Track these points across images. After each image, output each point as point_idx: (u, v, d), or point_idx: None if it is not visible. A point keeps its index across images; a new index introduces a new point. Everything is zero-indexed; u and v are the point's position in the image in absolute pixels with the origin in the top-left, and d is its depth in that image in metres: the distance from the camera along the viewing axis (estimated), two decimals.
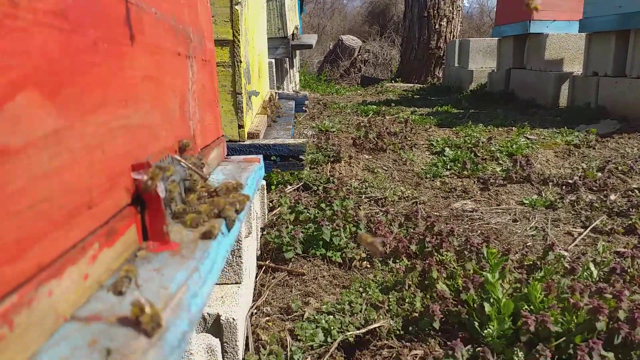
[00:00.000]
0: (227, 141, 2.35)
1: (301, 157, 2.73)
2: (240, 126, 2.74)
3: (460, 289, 2.78)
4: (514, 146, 5.37)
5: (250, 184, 1.41)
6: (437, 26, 13.56)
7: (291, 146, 2.71)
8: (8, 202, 0.51)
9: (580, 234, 3.71)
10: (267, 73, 4.19)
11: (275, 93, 3.76)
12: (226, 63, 2.63)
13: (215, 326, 2.18)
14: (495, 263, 2.74)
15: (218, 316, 2.14)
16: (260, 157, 1.90)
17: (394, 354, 2.45)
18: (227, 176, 1.54)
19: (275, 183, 4.57)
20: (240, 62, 2.66)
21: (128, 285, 0.68)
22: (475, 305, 2.63)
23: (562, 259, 3.01)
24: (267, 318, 2.67)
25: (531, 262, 3.11)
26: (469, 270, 3.01)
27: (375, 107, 8.29)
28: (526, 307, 2.61)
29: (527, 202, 4.25)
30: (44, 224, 0.57)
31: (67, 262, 0.63)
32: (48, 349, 0.56)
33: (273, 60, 5.48)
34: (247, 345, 2.41)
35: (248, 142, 2.75)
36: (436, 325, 2.51)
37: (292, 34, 6.43)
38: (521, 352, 2.37)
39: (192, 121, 1.36)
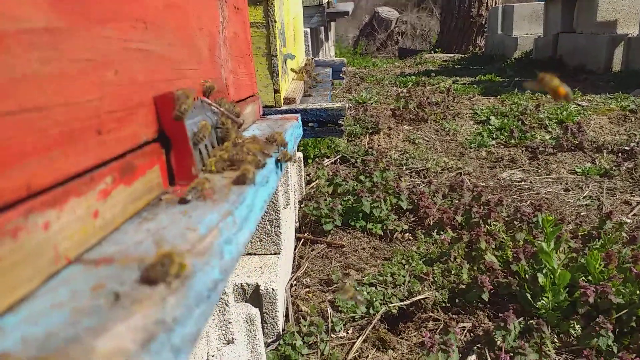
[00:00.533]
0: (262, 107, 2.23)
1: (340, 122, 2.59)
2: (276, 90, 2.62)
3: (510, 259, 2.63)
4: (564, 113, 5.06)
5: (288, 140, 1.29)
6: None
7: (330, 110, 2.57)
8: None
9: (639, 202, 3.45)
10: (302, 38, 4.04)
11: (312, 59, 3.62)
12: (259, 23, 2.50)
13: (255, 296, 2.11)
14: (551, 231, 2.55)
15: (257, 286, 2.07)
16: (298, 115, 1.77)
17: (440, 326, 2.33)
18: (263, 132, 1.42)
19: (312, 156, 4.46)
20: (275, 22, 2.52)
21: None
22: (527, 276, 2.48)
23: (621, 227, 2.79)
24: (307, 289, 2.60)
25: (586, 232, 2.90)
26: (519, 241, 2.84)
27: (414, 77, 8.02)
28: (583, 277, 2.43)
29: (579, 170, 3.99)
30: (34, 138, 0.47)
31: (70, 192, 0.52)
32: (42, 294, 0.45)
33: (308, 30, 5.31)
34: (287, 316, 2.34)
35: (284, 107, 2.63)
36: (485, 297, 2.38)
37: (327, 2, 6.22)
38: (578, 325, 2.22)
39: (224, 69, 1.24)
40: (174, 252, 0.48)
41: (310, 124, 2.67)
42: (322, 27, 6.35)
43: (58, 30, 0.51)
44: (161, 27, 0.80)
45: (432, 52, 13.67)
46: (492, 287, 2.42)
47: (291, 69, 3.03)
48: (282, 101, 2.63)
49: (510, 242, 2.84)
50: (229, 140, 0.98)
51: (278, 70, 2.54)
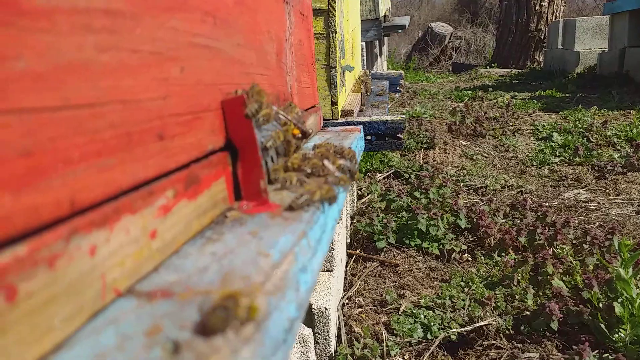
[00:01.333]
0: None
1: (400, 135, 2.47)
2: (334, 103, 2.54)
3: (580, 286, 2.42)
4: (634, 130, 4.72)
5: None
6: (537, 7, 12.56)
7: (389, 123, 2.46)
8: (10, 86, 0.31)
9: None
10: (360, 51, 3.96)
11: (369, 72, 3.52)
12: (320, 34, 2.44)
13: (306, 315, 2.01)
14: (629, 257, 2.34)
15: (310, 305, 1.97)
16: (360, 127, 1.67)
17: (504, 355, 2.16)
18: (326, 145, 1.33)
19: (364, 171, 4.35)
20: (335, 32, 2.45)
21: None
22: (600, 305, 2.28)
23: None
24: (360, 309, 2.47)
25: None
26: (590, 266, 2.62)
27: (470, 92, 7.78)
28: None
29: None
30: (81, 140, 0.38)
31: (123, 209, 0.43)
32: (82, 339, 0.36)
33: (364, 44, 5.23)
34: (339, 336, 2.23)
35: (341, 119, 2.54)
36: (554, 325, 2.19)
37: (384, 16, 6.13)
38: None
39: (289, 76, 1.16)
40: (239, 292, 0.38)
41: (368, 137, 2.57)
42: (377, 41, 6.25)
43: (120, 13, 0.43)
44: (231, 25, 0.73)
45: (488, 67, 13.32)
46: (561, 315, 2.23)
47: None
48: (340, 114, 2.55)
49: (580, 267, 2.63)
50: (295, 151, 0.89)
51: (337, 82, 2.46)
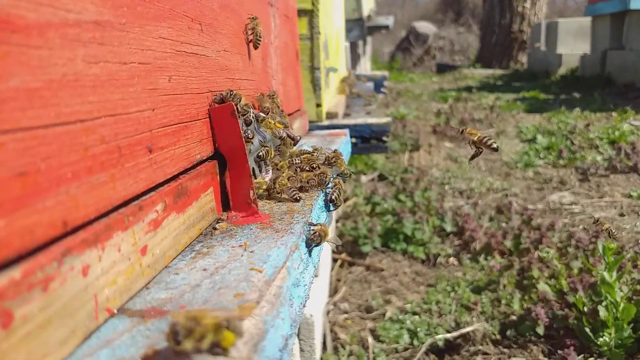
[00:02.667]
0: None
1: (384, 138, 2.47)
2: (318, 105, 2.52)
3: (565, 289, 2.44)
4: (616, 133, 4.80)
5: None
6: (520, 8, 12.72)
7: (374, 126, 2.45)
8: (4, 106, 0.30)
9: None
10: (344, 52, 3.96)
11: (353, 73, 3.52)
12: (304, 35, 2.42)
13: None
14: (613, 261, 2.36)
15: None
16: (347, 131, 1.66)
17: None
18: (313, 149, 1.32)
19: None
20: (319, 34, 2.44)
21: None
22: (585, 309, 2.30)
23: None
24: (346, 315, 2.46)
25: None
26: (574, 270, 2.65)
27: (454, 93, 7.84)
28: None
29: (635, 194, 3.75)
30: (73, 158, 0.37)
31: (114, 226, 0.42)
32: None
33: (347, 44, 5.23)
34: (324, 344, 2.21)
35: (326, 122, 2.53)
36: (540, 330, 2.21)
37: (368, 16, 6.14)
38: None
39: (274, 80, 1.15)
40: (206, 315, 0.36)
41: (353, 140, 2.56)
42: (361, 41, 6.26)
43: (109, 24, 0.42)
44: (217, 31, 0.71)
45: (471, 67, 13.43)
46: (547, 319, 2.25)
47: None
48: (325, 116, 2.53)
49: (565, 271, 2.65)
50: (283, 158, 0.88)
51: (321, 84, 2.44)
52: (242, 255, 0.54)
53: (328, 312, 2.46)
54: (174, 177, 0.56)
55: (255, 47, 0.82)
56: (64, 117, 0.37)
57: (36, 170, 0.33)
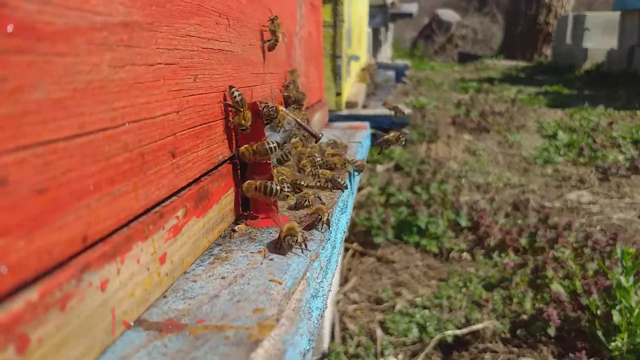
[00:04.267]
0: None
1: (405, 130, 2.43)
2: (338, 94, 2.49)
3: (579, 291, 2.41)
4: None
5: (360, 152, 1.16)
6: None
7: (394, 118, 2.41)
8: (28, 119, 0.29)
9: None
10: (366, 39, 3.90)
11: (375, 61, 3.47)
12: (327, 23, 2.38)
13: None
14: (631, 266, 2.32)
15: None
16: (367, 124, 1.64)
17: (499, 359, 2.16)
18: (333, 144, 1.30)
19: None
20: (343, 21, 2.39)
21: None
22: (599, 312, 2.27)
23: None
24: (355, 306, 2.46)
25: None
26: (589, 272, 2.61)
27: (475, 84, 7.71)
28: None
29: None
30: (94, 169, 0.35)
31: (134, 236, 0.41)
32: None
33: (370, 30, 5.16)
34: (332, 333, 2.22)
35: (345, 111, 2.50)
36: (551, 331, 2.18)
37: (392, 2, 6.04)
38: None
39: (297, 71, 1.12)
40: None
41: (372, 131, 2.53)
42: (383, 28, 6.17)
43: (137, 25, 0.40)
44: (244, 25, 0.69)
45: (494, 58, 13.20)
46: (559, 320, 2.23)
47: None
48: (344, 105, 2.50)
49: (580, 272, 2.62)
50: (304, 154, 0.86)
51: (342, 73, 2.41)
52: (261, 263, 0.53)
53: (337, 302, 2.46)
54: (196, 180, 0.54)
55: (270, 50, 0.80)
56: (87, 127, 0.35)
57: (56, 185, 0.32)
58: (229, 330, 0.39)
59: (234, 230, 0.62)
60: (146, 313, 0.44)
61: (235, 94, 0.60)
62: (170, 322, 0.42)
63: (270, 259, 0.54)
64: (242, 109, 0.60)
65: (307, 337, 0.44)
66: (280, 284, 0.48)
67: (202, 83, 0.56)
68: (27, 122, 0.29)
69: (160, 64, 0.46)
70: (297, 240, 0.51)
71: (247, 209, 0.69)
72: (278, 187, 0.61)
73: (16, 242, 0.28)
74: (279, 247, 0.53)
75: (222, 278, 0.50)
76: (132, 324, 0.42)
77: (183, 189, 0.51)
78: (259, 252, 0.56)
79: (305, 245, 0.51)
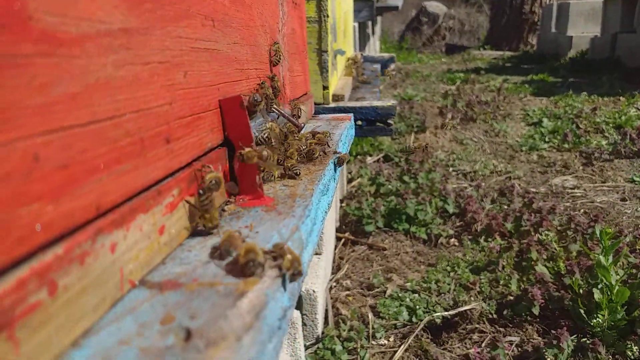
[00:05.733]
0: None
1: (390, 121, 2.51)
2: (325, 87, 2.56)
3: (563, 272, 2.50)
4: (623, 117, 4.80)
5: (343, 142, 1.23)
6: None
7: (379, 109, 2.49)
8: (53, 109, 0.36)
9: None
10: (352, 34, 3.96)
11: (360, 55, 3.54)
12: (312, 18, 2.44)
13: None
14: (609, 245, 2.41)
15: None
16: (351, 115, 1.71)
17: (486, 339, 2.24)
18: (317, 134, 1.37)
19: (354, 154, 4.39)
20: (327, 16, 2.46)
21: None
22: (581, 291, 2.36)
23: None
24: (347, 292, 2.54)
25: None
26: (573, 253, 2.71)
27: (462, 75, 7.81)
28: None
29: (638, 179, 3.78)
30: (104, 150, 0.43)
31: (137, 208, 0.48)
32: (106, 325, 0.41)
33: (356, 24, 5.22)
34: (326, 319, 2.29)
35: (332, 104, 2.57)
36: (535, 310, 2.27)
37: None
38: (636, 347, 2.09)
39: (281, 67, 1.19)
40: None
41: (359, 123, 2.60)
42: (370, 22, 6.23)
43: (134, 30, 0.47)
44: (228, 25, 0.76)
45: (481, 48, 13.31)
46: (543, 300, 2.31)
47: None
48: (331, 98, 2.57)
49: (563, 254, 2.71)
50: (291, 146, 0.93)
51: (328, 67, 2.48)
52: (247, 236, 0.60)
53: (331, 289, 2.54)
54: (188, 164, 0.61)
55: (274, 65, 0.88)
56: (97, 116, 0.42)
57: (75, 162, 0.39)
58: (220, 286, 0.47)
59: (224, 210, 0.69)
60: (148, 275, 0.51)
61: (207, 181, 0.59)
62: (169, 282, 0.49)
63: (256, 232, 0.61)
64: (208, 211, 0.60)
65: (287, 296, 0.52)
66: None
67: (191, 79, 0.63)
68: (52, 111, 0.36)
69: (155, 62, 0.53)
70: (258, 263, 0.50)
71: (236, 191, 0.76)
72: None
73: (46, 206, 0.36)
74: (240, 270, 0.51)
75: (213, 248, 0.57)
76: (137, 283, 0.49)
77: (177, 171, 0.59)
78: (246, 227, 0.63)
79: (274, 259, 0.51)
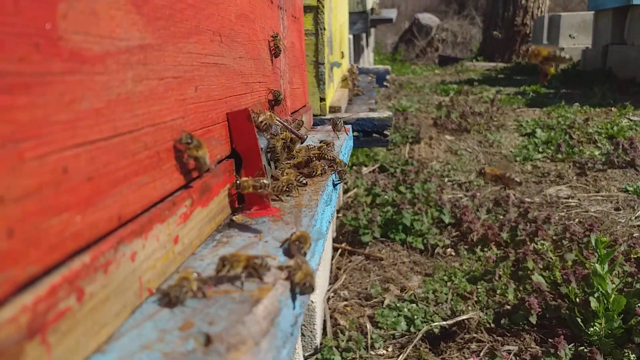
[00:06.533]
0: None
1: (386, 132, 2.54)
2: (322, 99, 2.59)
3: (559, 281, 2.52)
4: (615, 128, 4.86)
5: (343, 153, 1.25)
6: (523, 1, 12.70)
7: (376, 120, 2.52)
8: (80, 124, 0.38)
9: None
10: (347, 46, 4.01)
11: (356, 67, 3.58)
12: (309, 31, 2.48)
13: None
14: (605, 254, 2.43)
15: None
16: (349, 127, 1.73)
17: (484, 348, 2.25)
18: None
19: (350, 165, 4.41)
20: (324, 29, 2.50)
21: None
22: (577, 299, 2.37)
23: None
24: (345, 302, 2.55)
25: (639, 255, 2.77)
26: (568, 262, 2.73)
27: (456, 86, 7.88)
28: None
29: (631, 189, 3.82)
30: (125, 163, 0.44)
31: (155, 219, 0.50)
32: (127, 331, 0.43)
33: (351, 36, 5.27)
34: (324, 329, 2.29)
35: (329, 115, 2.60)
36: (533, 319, 2.28)
37: (372, 8, 6.17)
38: (633, 355, 2.10)
39: (282, 80, 1.22)
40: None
41: (355, 134, 2.63)
42: (364, 34, 6.29)
43: (150, 47, 0.49)
44: (234, 40, 0.78)
45: (474, 60, 13.44)
46: (540, 309, 2.32)
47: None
48: (328, 110, 2.60)
49: (559, 263, 2.73)
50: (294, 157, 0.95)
51: (325, 79, 2.51)
52: (257, 244, 0.61)
53: (328, 299, 2.54)
54: (199, 175, 0.63)
55: (276, 56, 0.90)
56: (118, 130, 0.44)
57: (99, 175, 0.41)
58: (235, 293, 0.48)
59: (232, 220, 0.70)
60: (164, 284, 0.52)
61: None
62: None
63: (265, 241, 0.63)
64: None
65: (299, 302, 0.53)
66: (275, 259, 0.57)
67: (202, 93, 0.65)
68: (79, 126, 0.38)
69: (169, 77, 0.55)
70: (188, 290, 0.48)
71: (242, 202, 0.78)
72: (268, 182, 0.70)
73: (75, 217, 0.37)
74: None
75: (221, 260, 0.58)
76: (154, 291, 0.50)
77: (190, 182, 0.60)
78: (255, 236, 0.65)
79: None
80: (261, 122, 0.71)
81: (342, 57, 3.35)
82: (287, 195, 0.81)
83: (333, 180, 0.96)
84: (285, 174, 0.83)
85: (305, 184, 0.81)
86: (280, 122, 0.95)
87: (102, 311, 0.41)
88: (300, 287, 0.53)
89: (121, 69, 0.44)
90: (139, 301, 0.48)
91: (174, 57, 0.56)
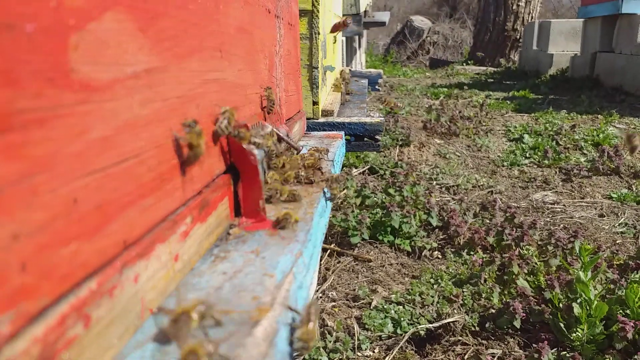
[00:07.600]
0: None
1: (377, 137, 2.56)
2: (315, 103, 2.60)
3: (543, 286, 2.56)
4: (601, 135, 4.94)
5: (336, 161, 1.27)
6: (514, 7, 12.81)
7: (367, 125, 2.54)
8: (89, 153, 0.39)
9: None
10: (340, 48, 4.02)
11: (349, 70, 3.60)
12: (303, 35, 2.48)
13: None
14: (589, 261, 2.48)
15: None
16: (342, 133, 1.75)
17: (469, 351, 2.28)
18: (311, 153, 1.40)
19: (341, 166, 4.43)
20: (318, 34, 2.51)
21: None
22: (561, 305, 2.41)
23: None
24: (333, 303, 2.56)
25: (622, 262, 2.83)
26: (553, 267, 2.77)
27: (446, 90, 7.93)
28: (621, 311, 2.36)
29: (615, 196, 3.89)
30: (131, 187, 0.45)
31: (156, 239, 0.51)
32: (129, 352, 0.44)
33: (344, 39, 5.28)
34: None
35: (322, 119, 2.61)
36: (517, 324, 2.32)
37: (365, 11, 6.19)
38: None
39: (278, 88, 1.23)
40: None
41: (347, 138, 2.64)
42: (357, 36, 6.31)
43: (154, 69, 0.50)
44: (233, 53, 0.79)
45: (464, 64, 13.53)
46: (524, 313, 2.36)
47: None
48: (320, 113, 2.61)
49: (544, 268, 2.77)
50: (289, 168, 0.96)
51: (318, 83, 2.52)
52: (255, 261, 0.63)
53: (316, 300, 2.56)
54: (199, 192, 0.64)
55: (269, 113, 0.92)
56: (124, 155, 0.45)
57: (107, 202, 0.42)
58: (234, 314, 0.49)
59: (229, 234, 0.71)
60: (164, 302, 0.53)
61: None
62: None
63: (262, 257, 0.64)
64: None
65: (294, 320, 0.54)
66: (272, 277, 0.58)
67: (203, 110, 0.65)
68: (89, 155, 0.39)
69: (173, 98, 0.56)
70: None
71: (239, 214, 0.79)
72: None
73: (84, 245, 0.38)
74: None
75: (223, 273, 0.59)
76: (155, 310, 0.51)
77: (190, 199, 0.61)
78: (252, 252, 0.66)
79: None
80: (256, 143, 0.72)
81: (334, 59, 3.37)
82: (284, 208, 0.82)
83: (325, 195, 0.97)
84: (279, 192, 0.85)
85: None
86: (278, 134, 0.96)
87: (107, 335, 0.42)
88: (297, 346, 0.52)
89: (128, 94, 0.45)
90: (141, 322, 0.49)
91: (177, 77, 0.57)
